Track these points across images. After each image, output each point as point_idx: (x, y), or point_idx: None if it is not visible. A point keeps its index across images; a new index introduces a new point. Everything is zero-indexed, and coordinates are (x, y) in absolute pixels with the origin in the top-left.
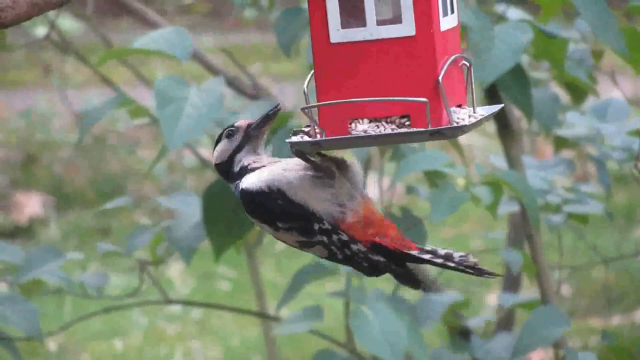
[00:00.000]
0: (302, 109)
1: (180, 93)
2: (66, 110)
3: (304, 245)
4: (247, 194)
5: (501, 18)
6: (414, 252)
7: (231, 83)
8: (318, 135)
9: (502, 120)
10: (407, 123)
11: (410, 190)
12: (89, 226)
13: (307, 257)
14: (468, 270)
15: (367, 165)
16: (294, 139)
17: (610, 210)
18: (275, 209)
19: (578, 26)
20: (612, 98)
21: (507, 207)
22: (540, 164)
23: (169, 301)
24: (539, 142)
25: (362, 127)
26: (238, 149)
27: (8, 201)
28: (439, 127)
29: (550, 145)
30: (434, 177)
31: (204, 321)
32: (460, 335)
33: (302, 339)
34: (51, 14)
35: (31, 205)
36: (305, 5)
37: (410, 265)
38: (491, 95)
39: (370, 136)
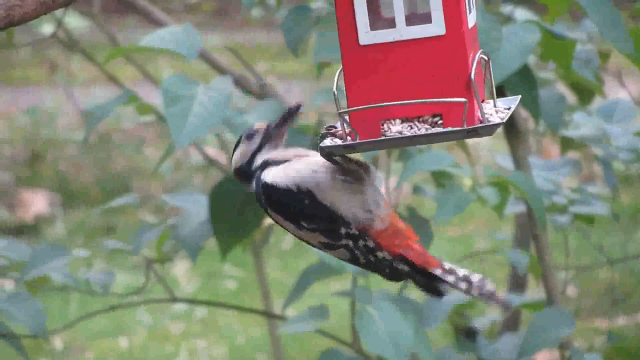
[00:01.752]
0: (339, 113)
1: (188, 91)
2: (72, 108)
3: (326, 247)
4: (272, 189)
5: (508, 19)
6: (438, 272)
7: (238, 82)
8: (349, 138)
9: (508, 121)
10: (440, 122)
11: (416, 190)
12: (94, 224)
13: (313, 257)
14: (487, 299)
15: (374, 165)
16: (326, 142)
17: (616, 211)
18: (301, 209)
19: (585, 27)
20: (618, 99)
21: (513, 208)
22: (546, 165)
23: (175, 299)
24: (545, 143)
25: (395, 129)
26: (258, 149)
27: (14, 199)
28: (475, 126)
29: (556, 145)
30: (440, 177)
31: (209, 320)
32: (466, 335)
33: (307, 338)
34: (58, 12)
35: (37, 203)
36: (313, 5)
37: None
38: (498, 95)
39: (405, 137)
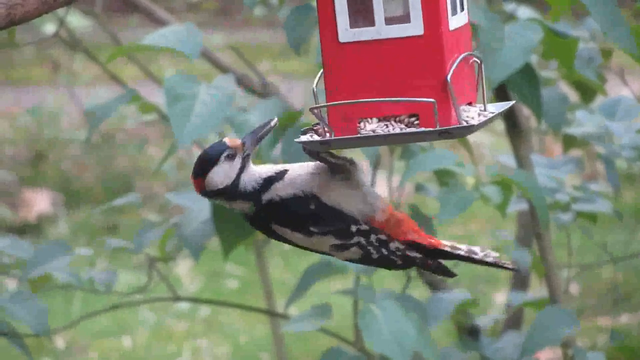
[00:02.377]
0: (311, 109)
1: (190, 90)
2: (75, 108)
3: (339, 249)
4: (276, 203)
5: (511, 17)
6: (447, 249)
7: (240, 81)
8: (327, 135)
9: (511, 119)
10: (416, 122)
11: (419, 188)
12: (97, 223)
13: (315, 256)
14: (498, 265)
15: (376, 164)
16: (303, 138)
17: (619, 209)
18: (309, 214)
19: (587, 25)
20: (621, 96)
21: (516, 206)
22: (549, 163)
23: (177, 298)
24: (548, 141)
25: (370, 127)
26: (241, 170)
27: (16, 198)
28: (447, 127)
29: (559, 143)
30: (443, 176)
31: (212, 319)
32: (469, 334)
33: (310, 337)
34: (60, 11)
35: (40, 202)
36: (315, 4)
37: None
38: (500, 94)
39: (379, 136)
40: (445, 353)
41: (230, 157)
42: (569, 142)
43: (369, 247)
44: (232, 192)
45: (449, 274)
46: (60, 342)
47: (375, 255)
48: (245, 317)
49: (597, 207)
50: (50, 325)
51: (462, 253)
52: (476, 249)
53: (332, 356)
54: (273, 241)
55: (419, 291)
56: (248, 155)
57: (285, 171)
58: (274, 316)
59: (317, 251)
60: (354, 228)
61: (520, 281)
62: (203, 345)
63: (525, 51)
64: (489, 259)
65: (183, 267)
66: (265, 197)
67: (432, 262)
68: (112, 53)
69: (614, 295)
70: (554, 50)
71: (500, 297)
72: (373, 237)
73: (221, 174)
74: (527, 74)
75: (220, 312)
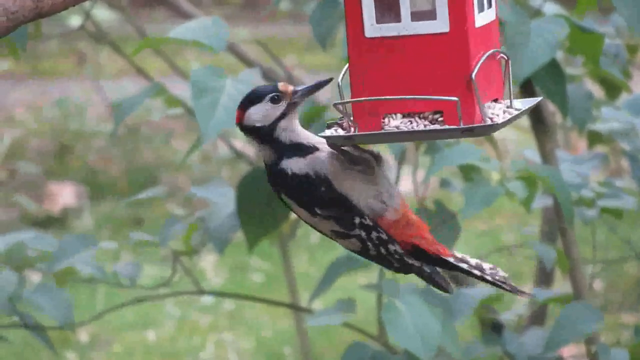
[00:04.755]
0: (335, 104)
1: (216, 84)
2: (100, 101)
3: (338, 236)
4: (290, 176)
5: (537, 12)
6: (451, 259)
7: (266, 74)
8: (352, 130)
9: (536, 115)
10: (440, 119)
11: (444, 183)
12: (122, 216)
13: (340, 250)
14: (500, 285)
15: (401, 159)
16: (327, 132)
17: None
18: (317, 196)
19: (613, 21)
20: None
21: (541, 202)
22: (574, 159)
23: (202, 292)
24: (573, 137)
25: (395, 123)
26: (282, 116)
27: (42, 191)
28: (470, 125)
29: (584, 140)
30: (468, 171)
31: (237, 313)
32: (492, 329)
33: (334, 331)
34: (86, 4)
35: (65, 195)
36: None
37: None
38: (526, 90)
39: (402, 132)
40: (468, 348)
41: (276, 100)
42: (594, 138)
43: (368, 243)
44: (265, 134)
45: (443, 289)
46: (84, 335)
47: (373, 252)
48: (270, 311)
49: (622, 203)
50: (74, 318)
51: (465, 267)
52: (486, 266)
53: (355, 351)
54: (299, 235)
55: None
56: (295, 103)
57: (315, 148)
58: (298, 310)
59: (319, 231)
60: (357, 220)
61: (544, 277)
62: (227, 339)
63: (551, 47)
64: (496, 278)
65: (208, 261)
66: (283, 164)
67: (427, 273)
68: (138, 45)
69: (639, 292)
70: (579, 46)
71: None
72: (374, 234)
73: (260, 113)
74: (553, 69)
75: (244, 306)
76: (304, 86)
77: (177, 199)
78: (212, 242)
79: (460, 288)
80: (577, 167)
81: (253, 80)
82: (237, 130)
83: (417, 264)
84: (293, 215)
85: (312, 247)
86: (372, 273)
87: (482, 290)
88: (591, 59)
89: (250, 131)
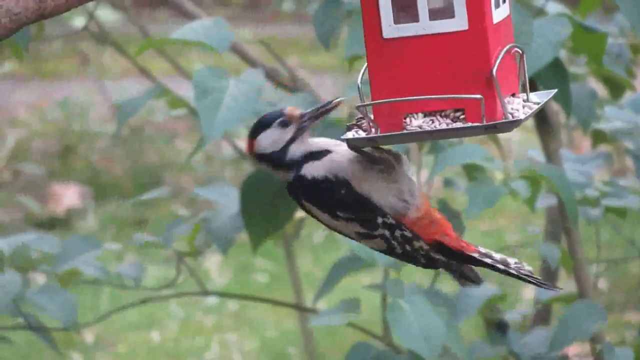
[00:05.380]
0: (358, 107)
1: (219, 84)
2: (104, 101)
3: (363, 237)
4: (309, 180)
5: (540, 12)
6: (476, 255)
7: (269, 75)
8: (372, 131)
9: (540, 114)
10: (462, 117)
11: (447, 183)
12: (126, 217)
13: (344, 250)
14: (526, 278)
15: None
16: (349, 134)
17: None
18: (338, 198)
19: (616, 20)
20: None
21: (545, 201)
22: (578, 158)
23: (206, 292)
24: (577, 136)
25: (417, 123)
26: (291, 141)
27: (45, 192)
28: (494, 122)
29: (588, 139)
30: (472, 171)
31: (241, 313)
32: (497, 329)
33: (338, 331)
34: (90, 4)
35: (68, 196)
36: None
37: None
38: (530, 89)
39: (425, 132)
40: (473, 348)
41: (284, 125)
42: (598, 137)
43: (393, 242)
44: (277, 159)
45: (472, 280)
46: (89, 336)
47: (399, 250)
48: (274, 311)
49: (626, 202)
50: (78, 319)
51: (489, 262)
52: (511, 260)
53: (360, 351)
54: (303, 235)
55: (448, 286)
56: (304, 127)
57: (327, 152)
58: (303, 311)
59: (343, 234)
60: (380, 220)
61: (548, 276)
62: (231, 339)
63: (555, 46)
64: (521, 272)
65: (212, 262)
66: (301, 171)
67: (456, 268)
68: (141, 46)
69: None
70: (583, 46)
71: (529, 292)
72: (398, 233)
73: (270, 139)
74: (557, 69)
75: (248, 306)
76: (312, 109)
77: (181, 200)
78: (216, 242)
79: (465, 287)
80: (580, 166)
81: (256, 80)
82: (241, 130)
83: (442, 258)
84: (297, 216)
85: (316, 247)
86: (376, 273)
87: (486, 290)
88: (594, 58)
89: (262, 158)
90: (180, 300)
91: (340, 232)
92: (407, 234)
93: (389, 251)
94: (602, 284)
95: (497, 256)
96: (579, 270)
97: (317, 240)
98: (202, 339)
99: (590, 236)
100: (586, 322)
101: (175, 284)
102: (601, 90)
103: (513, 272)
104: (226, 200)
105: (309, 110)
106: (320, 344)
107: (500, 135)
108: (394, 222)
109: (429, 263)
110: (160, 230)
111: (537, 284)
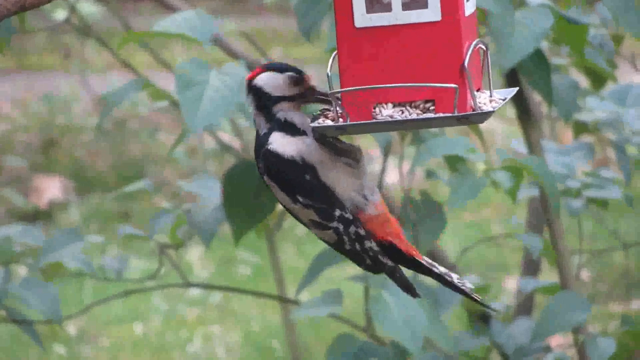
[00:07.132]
0: (330, 94)
1: (201, 76)
2: (87, 95)
3: (316, 226)
4: (275, 157)
5: (522, 3)
6: (424, 262)
7: (251, 67)
8: (341, 120)
9: (522, 105)
10: (432, 108)
11: (430, 175)
12: (109, 210)
13: None
14: (468, 295)
15: (387, 150)
16: (316, 123)
17: (630, 195)
18: (300, 183)
19: (598, 11)
20: (632, 83)
21: (527, 192)
22: (560, 149)
23: (189, 285)
24: (559, 127)
25: (386, 112)
26: (289, 98)
27: (28, 185)
28: (466, 113)
29: (570, 130)
30: (454, 162)
31: (224, 306)
32: (480, 319)
33: (322, 324)
34: None
35: (51, 189)
36: None
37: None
38: (511, 80)
39: (396, 121)
40: (456, 339)
41: (293, 81)
42: (580, 128)
43: (344, 237)
44: (264, 101)
45: (412, 291)
46: (72, 329)
47: (347, 246)
48: (257, 303)
49: (608, 193)
50: (62, 312)
51: (436, 271)
52: (454, 275)
53: (343, 342)
54: (285, 228)
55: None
56: (305, 96)
57: (304, 132)
58: (285, 302)
59: (297, 219)
60: (337, 212)
61: (531, 267)
62: (215, 331)
63: (536, 37)
64: (463, 288)
65: (194, 254)
66: (271, 143)
67: (400, 274)
68: (124, 38)
69: (626, 282)
70: (564, 37)
71: (512, 283)
72: (352, 229)
73: (274, 82)
74: (538, 60)
75: (232, 298)
76: (324, 91)
77: (164, 193)
78: (198, 235)
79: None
80: (563, 157)
81: (239, 72)
82: (223, 123)
83: (390, 263)
84: (279, 207)
85: (299, 239)
86: None
87: (469, 281)
88: (576, 49)
89: (255, 91)
90: (164, 293)
91: (294, 216)
92: (361, 232)
93: (337, 245)
94: (585, 275)
95: (442, 269)
96: (561, 261)
97: (300, 233)
98: (185, 332)
99: (573, 227)
100: (569, 313)
101: (158, 276)
102: (583, 81)
103: (457, 285)
104: (209, 193)
105: (321, 90)
106: (304, 336)
107: (483, 127)
108: (350, 217)
109: (374, 265)
110: (143, 223)
111: (478, 302)
